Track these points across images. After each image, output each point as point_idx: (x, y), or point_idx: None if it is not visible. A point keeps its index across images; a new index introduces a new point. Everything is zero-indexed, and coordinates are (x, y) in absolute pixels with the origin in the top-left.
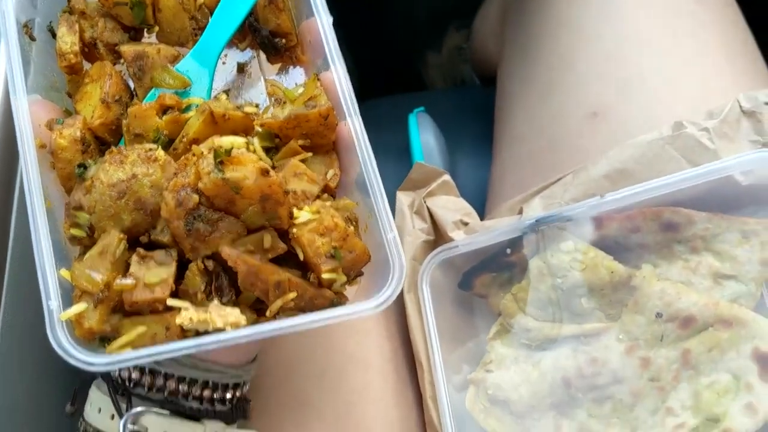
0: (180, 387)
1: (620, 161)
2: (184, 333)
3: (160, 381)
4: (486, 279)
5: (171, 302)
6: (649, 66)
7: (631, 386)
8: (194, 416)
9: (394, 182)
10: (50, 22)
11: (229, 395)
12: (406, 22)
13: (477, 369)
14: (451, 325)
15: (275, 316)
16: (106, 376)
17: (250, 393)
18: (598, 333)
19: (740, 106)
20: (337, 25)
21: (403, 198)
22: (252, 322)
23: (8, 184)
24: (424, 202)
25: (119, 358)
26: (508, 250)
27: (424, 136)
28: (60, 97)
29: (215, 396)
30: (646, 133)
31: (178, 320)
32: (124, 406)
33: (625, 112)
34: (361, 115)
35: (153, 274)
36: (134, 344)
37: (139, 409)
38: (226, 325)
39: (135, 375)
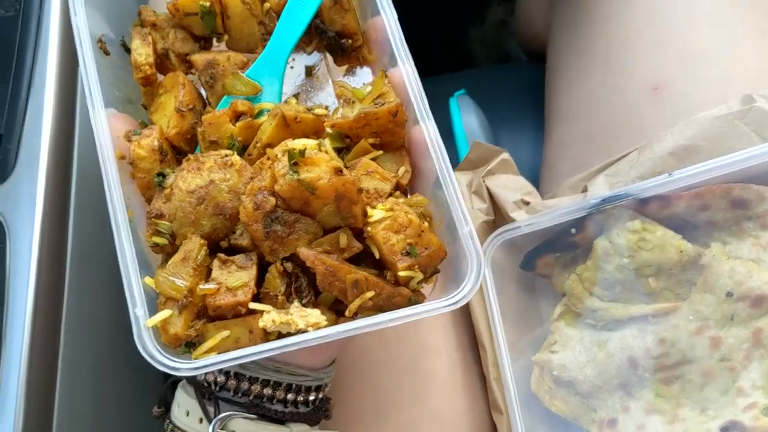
0: (264, 390)
1: (687, 138)
2: (267, 336)
3: (245, 385)
4: (549, 259)
5: (253, 306)
6: (711, 40)
7: (700, 366)
8: (279, 419)
9: None
10: (122, 37)
11: (312, 397)
12: None
13: (541, 350)
14: (514, 307)
15: (354, 316)
16: (192, 380)
17: (330, 390)
18: (666, 313)
19: None
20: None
21: (462, 178)
22: (332, 323)
23: (65, 188)
24: (483, 181)
25: (205, 362)
26: (573, 230)
27: (466, 119)
28: (135, 109)
29: (299, 399)
30: (710, 107)
31: (261, 323)
32: (211, 409)
33: (688, 86)
34: None
35: (235, 278)
36: (219, 348)
37: (227, 413)
38: (308, 326)
39: (221, 379)
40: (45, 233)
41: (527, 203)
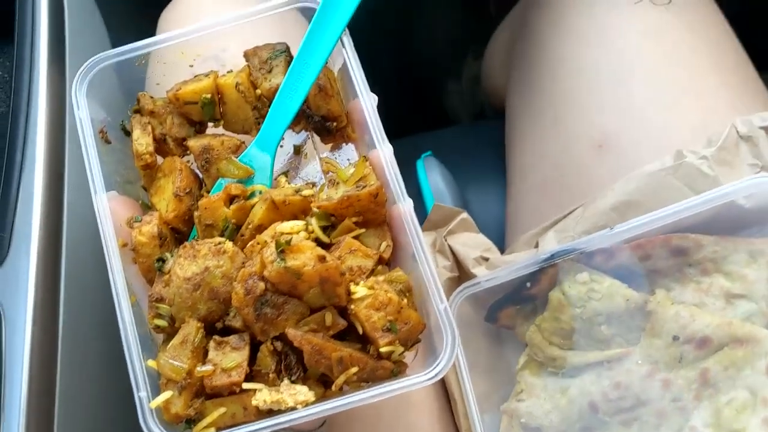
0: None
1: (626, 193)
2: (259, 411)
3: None
4: (510, 312)
5: (246, 386)
6: (646, 96)
7: (655, 407)
8: None
9: None
10: (122, 121)
11: None
12: (426, 49)
13: (509, 399)
14: (483, 358)
15: (341, 389)
16: None
17: None
18: (619, 358)
19: (737, 132)
20: (362, 61)
21: (426, 238)
22: (320, 396)
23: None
24: (446, 240)
25: None
26: (528, 284)
27: (432, 180)
28: (134, 189)
29: None
30: (651, 161)
31: (254, 401)
32: None
33: (628, 143)
34: None
35: (229, 359)
36: (216, 424)
37: None
38: (297, 404)
39: None
40: (38, 315)
41: (487, 259)
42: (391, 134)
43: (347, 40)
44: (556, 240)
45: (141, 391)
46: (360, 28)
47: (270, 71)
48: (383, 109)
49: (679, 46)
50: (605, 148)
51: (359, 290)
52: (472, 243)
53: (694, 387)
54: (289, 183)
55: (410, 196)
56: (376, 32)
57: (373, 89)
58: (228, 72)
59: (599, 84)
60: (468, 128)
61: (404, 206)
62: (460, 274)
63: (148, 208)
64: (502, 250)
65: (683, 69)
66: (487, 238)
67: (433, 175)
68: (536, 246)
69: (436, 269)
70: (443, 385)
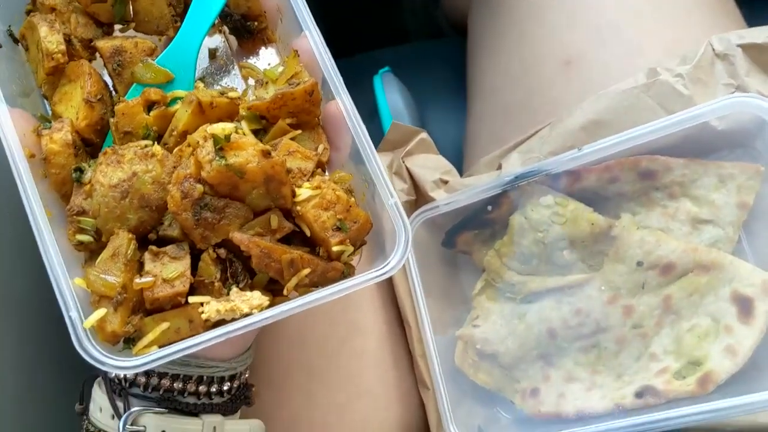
0: (174, 384)
1: (595, 112)
2: (206, 323)
3: (154, 380)
4: (468, 236)
5: (193, 299)
6: (620, 12)
7: (615, 334)
8: (191, 412)
9: None
10: (9, 26)
11: (226, 387)
12: None
13: (464, 325)
14: (438, 284)
15: (289, 294)
16: (105, 376)
17: (251, 378)
18: (581, 284)
19: (713, 49)
20: None
21: (382, 159)
22: (271, 303)
23: None
24: (403, 162)
25: (150, 358)
26: (489, 207)
27: (390, 98)
28: (29, 102)
29: (212, 390)
30: (621, 79)
31: (204, 315)
32: (121, 405)
33: (598, 60)
34: None
35: (170, 269)
36: (159, 342)
37: (136, 408)
38: (253, 309)
39: (130, 375)
40: None
41: (446, 182)
42: (348, 50)
43: None
44: (521, 161)
45: (71, 311)
46: None
47: None
48: (331, 26)
49: None
50: (574, 66)
51: (303, 192)
52: (431, 165)
53: (656, 313)
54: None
55: (366, 113)
56: None
57: (328, 3)
58: None
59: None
60: (428, 45)
61: (344, 100)
62: (418, 197)
63: (49, 122)
64: (461, 173)
65: None
66: (446, 160)
67: (391, 93)
68: (499, 168)
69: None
70: (395, 314)
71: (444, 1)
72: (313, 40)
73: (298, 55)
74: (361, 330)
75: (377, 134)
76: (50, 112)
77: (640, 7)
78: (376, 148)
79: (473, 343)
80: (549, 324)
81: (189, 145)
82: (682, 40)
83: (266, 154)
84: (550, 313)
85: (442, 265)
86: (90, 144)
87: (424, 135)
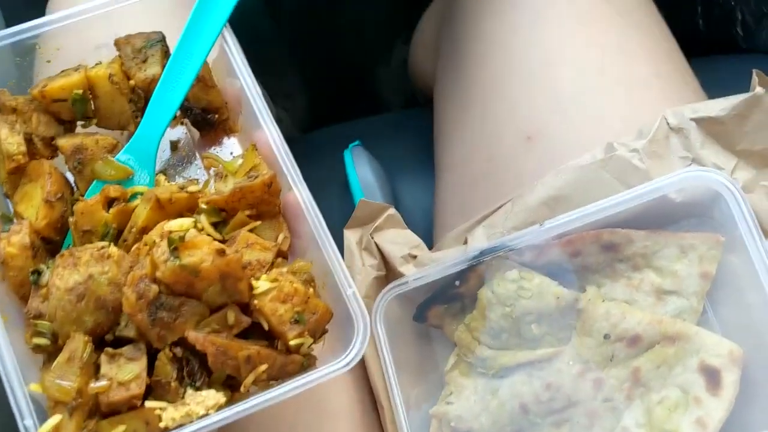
0: None
1: (556, 187)
2: (165, 430)
3: None
4: (439, 311)
5: (149, 404)
6: (577, 86)
7: (586, 408)
8: None
9: (338, 218)
10: None
11: None
12: (355, 36)
13: (438, 402)
14: (411, 359)
15: (249, 390)
16: None
17: None
18: (550, 358)
19: (668, 123)
20: (288, 46)
21: (351, 236)
22: (228, 399)
23: None
24: (372, 238)
25: None
26: (457, 282)
27: (361, 172)
28: None
29: None
30: (581, 153)
31: (162, 424)
32: None
33: (558, 134)
34: (301, 149)
35: (125, 371)
36: None
37: None
38: (209, 410)
39: None
40: None
41: (415, 257)
42: (320, 122)
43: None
44: (486, 236)
45: (26, 419)
46: (286, 9)
47: (145, 61)
48: (310, 96)
49: (612, 33)
50: (535, 140)
51: (261, 284)
52: (400, 240)
53: (626, 386)
54: (169, 182)
55: (337, 188)
56: (302, 15)
57: (300, 75)
58: (96, 64)
59: (530, 71)
60: (399, 116)
61: (301, 191)
62: (387, 273)
63: (11, 221)
64: (433, 243)
65: (616, 57)
66: (415, 235)
67: (361, 167)
68: (465, 242)
69: (361, 267)
70: (369, 394)
71: (411, 70)
72: (270, 135)
73: (257, 148)
74: (331, 416)
75: (350, 208)
76: (12, 211)
77: (598, 80)
78: (347, 223)
79: (447, 421)
80: (521, 399)
81: (146, 244)
82: (642, 110)
83: (221, 253)
84: (521, 388)
85: (416, 339)
86: (51, 242)
87: (391, 211)
